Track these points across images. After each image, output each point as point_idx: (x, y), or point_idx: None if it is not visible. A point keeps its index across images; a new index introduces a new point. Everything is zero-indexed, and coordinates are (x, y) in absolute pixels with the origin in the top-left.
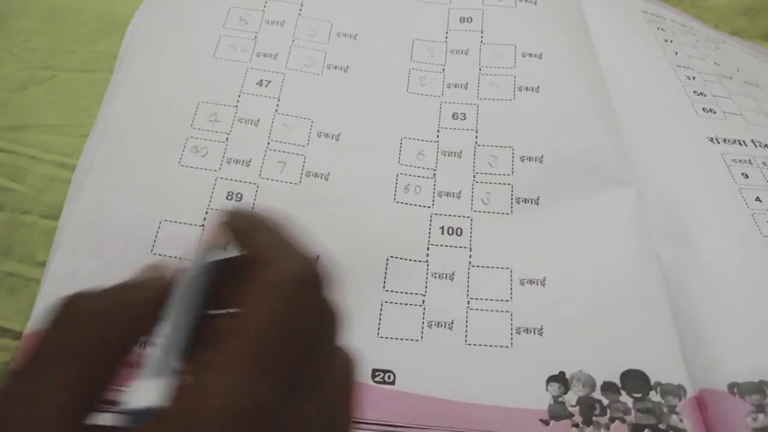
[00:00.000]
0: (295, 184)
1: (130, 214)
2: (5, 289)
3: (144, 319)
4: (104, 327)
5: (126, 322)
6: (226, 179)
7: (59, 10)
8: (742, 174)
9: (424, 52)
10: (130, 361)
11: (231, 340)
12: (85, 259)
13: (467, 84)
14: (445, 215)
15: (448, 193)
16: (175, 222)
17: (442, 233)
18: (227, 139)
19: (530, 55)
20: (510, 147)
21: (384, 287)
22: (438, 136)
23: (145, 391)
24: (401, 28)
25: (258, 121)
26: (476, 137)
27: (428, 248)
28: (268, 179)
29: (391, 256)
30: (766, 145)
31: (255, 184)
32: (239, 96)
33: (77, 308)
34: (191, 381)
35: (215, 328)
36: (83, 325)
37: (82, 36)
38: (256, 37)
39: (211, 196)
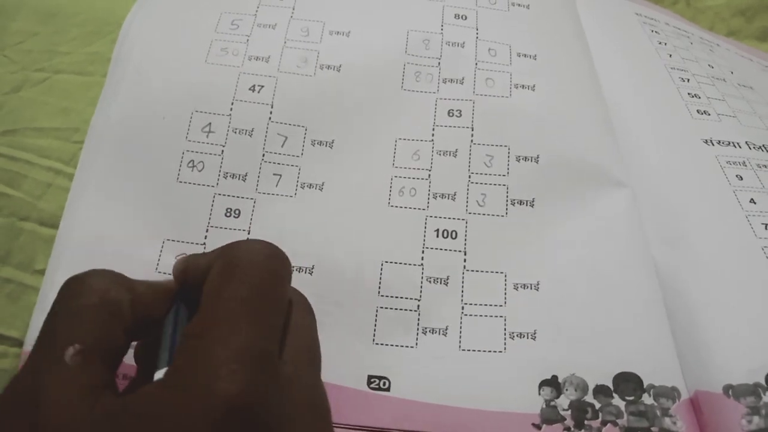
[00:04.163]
0: (291, 197)
1: (132, 232)
2: (4, 295)
3: (149, 305)
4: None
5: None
6: (224, 195)
7: (54, 10)
8: (737, 176)
9: (419, 44)
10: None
11: (218, 304)
12: None
13: (463, 79)
14: (440, 218)
15: (443, 195)
16: (177, 241)
17: (437, 236)
18: (222, 152)
19: (525, 55)
20: (506, 146)
21: (379, 292)
22: (433, 135)
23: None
24: (395, 22)
25: (252, 131)
26: (472, 135)
27: (423, 251)
28: (264, 194)
29: (386, 261)
30: (760, 147)
31: (252, 199)
32: (232, 103)
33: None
34: (192, 342)
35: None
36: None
37: (77, 37)
38: (248, 40)
39: (210, 214)
